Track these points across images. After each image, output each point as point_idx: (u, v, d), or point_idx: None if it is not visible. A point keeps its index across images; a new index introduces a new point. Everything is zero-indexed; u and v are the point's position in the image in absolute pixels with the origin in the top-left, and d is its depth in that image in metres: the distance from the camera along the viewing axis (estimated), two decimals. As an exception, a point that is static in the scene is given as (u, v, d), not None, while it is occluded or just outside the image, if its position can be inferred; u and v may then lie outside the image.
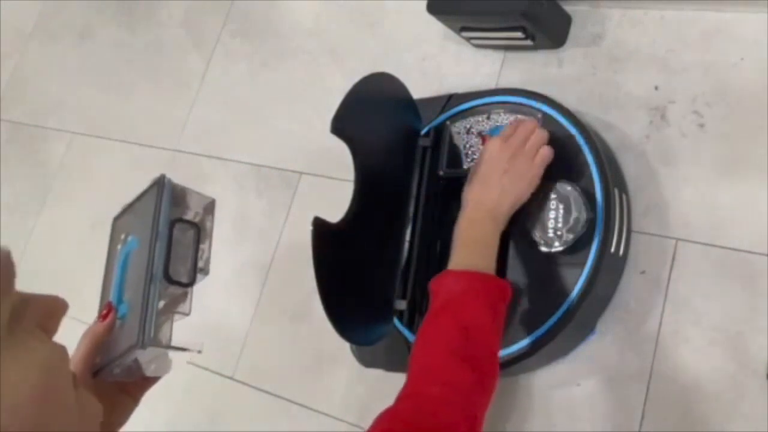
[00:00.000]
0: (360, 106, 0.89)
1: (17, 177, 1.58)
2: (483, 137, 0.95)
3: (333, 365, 1.07)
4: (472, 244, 0.83)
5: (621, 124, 0.95)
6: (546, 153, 0.86)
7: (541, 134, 0.87)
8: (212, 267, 1.26)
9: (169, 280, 0.73)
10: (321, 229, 0.83)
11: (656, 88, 0.94)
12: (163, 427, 1.14)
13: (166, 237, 0.74)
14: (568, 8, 1.02)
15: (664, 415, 0.84)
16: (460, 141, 0.97)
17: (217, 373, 1.17)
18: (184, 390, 1.20)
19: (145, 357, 0.73)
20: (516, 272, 0.88)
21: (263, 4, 1.34)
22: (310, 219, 0.82)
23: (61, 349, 0.48)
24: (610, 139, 0.95)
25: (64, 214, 1.47)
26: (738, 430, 0.80)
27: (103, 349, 0.75)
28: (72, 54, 1.60)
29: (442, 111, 0.99)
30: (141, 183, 1.45)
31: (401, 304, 0.93)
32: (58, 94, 1.60)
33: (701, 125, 0.91)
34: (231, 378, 1.16)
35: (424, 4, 1.02)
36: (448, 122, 0.99)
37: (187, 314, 0.76)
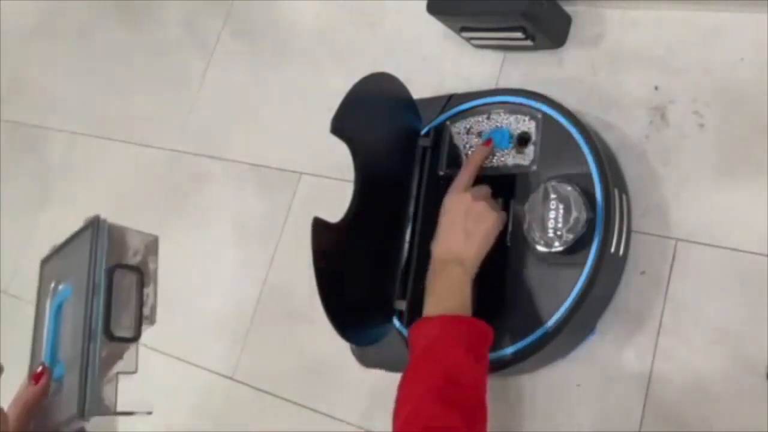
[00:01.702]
0: (360, 106, 0.89)
1: (17, 177, 1.58)
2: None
3: (333, 365, 1.07)
4: (443, 289, 0.83)
5: (621, 124, 0.95)
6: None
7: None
8: (212, 266, 1.26)
9: (111, 336, 0.67)
10: (321, 229, 0.83)
11: (656, 88, 0.94)
12: (163, 428, 1.14)
13: (105, 287, 0.67)
14: (568, 8, 1.02)
15: (664, 415, 0.84)
16: (460, 141, 0.97)
17: (217, 373, 1.17)
18: (184, 390, 1.20)
19: (90, 423, 0.68)
20: (516, 273, 0.88)
21: (263, 4, 1.35)
22: (310, 219, 0.82)
23: None
24: (610, 139, 0.95)
25: (64, 214, 1.47)
26: (738, 430, 0.80)
27: (37, 414, 0.69)
28: (72, 54, 1.60)
29: (442, 111, 0.99)
30: (141, 183, 1.46)
31: (401, 304, 0.93)
32: (58, 94, 1.60)
33: (701, 125, 0.91)
34: (231, 378, 1.16)
35: (424, 4, 1.02)
36: (448, 122, 0.99)
37: (134, 372, 0.70)
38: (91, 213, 1.42)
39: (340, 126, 0.86)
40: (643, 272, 0.89)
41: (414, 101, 0.99)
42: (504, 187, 0.91)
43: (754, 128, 0.87)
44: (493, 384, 0.92)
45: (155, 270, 0.72)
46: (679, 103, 0.92)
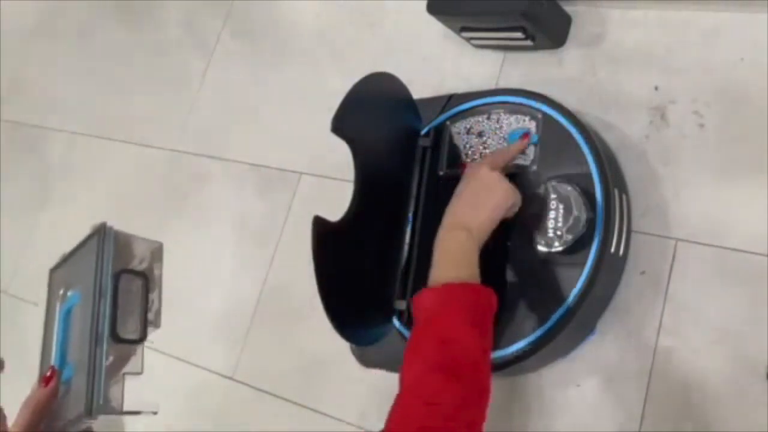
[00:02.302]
0: (360, 106, 0.89)
1: (17, 177, 1.58)
2: (463, 164, 0.95)
3: (333, 365, 1.07)
4: (447, 257, 0.81)
5: (621, 124, 0.95)
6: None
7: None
8: (212, 266, 1.26)
9: (117, 338, 0.69)
10: (321, 228, 0.83)
11: (656, 88, 0.94)
12: (162, 428, 1.14)
13: (111, 291, 0.69)
14: (568, 8, 1.02)
15: (664, 415, 0.84)
16: (460, 141, 0.97)
17: (217, 373, 1.17)
18: (184, 390, 1.20)
19: (96, 423, 0.69)
20: (516, 273, 0.88)
21: (263, 4, 1.35)
22: (310, 219, 0.82)
23: None
24: (610, 139, 0.95)
25: (64, 214, 1.47)
26: (738, 430, 0.80)
27: (48, 415, 0.71)
28: (72, 54, 1.60)
29: (442, 111, 0.99)
30: (141, 183, 1.46)
31: (401, 304, 0.93)
32: (58, 94, 1.60)
33: (701, 125, 0.91)
34: (231, 378, 1.16)
35: (424, 4, 1.02)
36: (448, 122, 0.99)
37: (140, 373, 0.72)
38: (91, 213, 1.41)
39: (340, 126, 0.86)
40: (643, 272, 0.89)
41: (414, 101, 0.99)
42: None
43: (754, 128, 0.87)
44: (493, 383, 0.92)
45: (160, 276, 0.73)
46: (679, 103, 0.92)
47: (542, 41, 1.00)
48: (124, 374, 0.70)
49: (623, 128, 0.95)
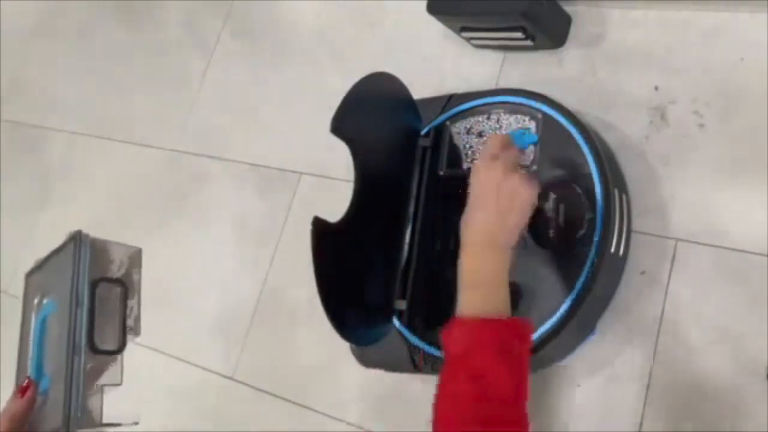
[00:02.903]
0: (360, 106, 0.89)
1: (17, 177, 1.58)
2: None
3: (333, 365, 1.07)
4: (476, 284, 0.75)
5: (621, 124, 0.95)
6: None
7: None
8: (212, 266, 1.25)
9: (95, 349, 0.67)
10: (321, 228, 0.83)
11: (656, 88, 0.94)
12: (161, 428, 1.14)
13: (88, 301, 0.67)
14: (568, 8, 1.02)
15: (664, 415, 0.84)
16: (460, 141, 0.97)
17: (217, 373, 1.17)
18: (184, 390, 1.20)
19: None
20: (516, 272, 0.88)
21: (263, 4, 1.35)
22: (310, 219, 0.82)
23: None
24: (610, 139, 0.95)
25: (64, 214, 1.47)
26: (738, 430, 0.80)
27: (24, 427, 0.70)
28: (72, 54, 1.60)
29: (442, 111, 0.99)
30: (141, 183, 1.46)
31: (401, 304, 0.93)
32: (58, 94, 1.60)
33: (701, 125, 0.91)
34: (231, 378, 1.16)
35: (424, 4, 1.02)
36: (448, 122, 0.99)
37: (119, 384, 0.70)
38: (91, 213, 1.42)
39: (340, 126, 0.86)
40: (643, 272, 0.89)
41: (414, 101, 0.99)
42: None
43: (754, 128, 0.87)
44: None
45: (139, 281, 0.72)
46: (679, 103, 0.92)
47: (542, 41, 1.00)
48: (102, 386, 0.69)
49: (623, 128, 0.95)
